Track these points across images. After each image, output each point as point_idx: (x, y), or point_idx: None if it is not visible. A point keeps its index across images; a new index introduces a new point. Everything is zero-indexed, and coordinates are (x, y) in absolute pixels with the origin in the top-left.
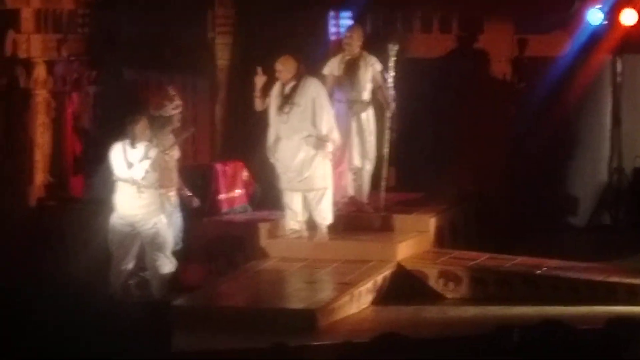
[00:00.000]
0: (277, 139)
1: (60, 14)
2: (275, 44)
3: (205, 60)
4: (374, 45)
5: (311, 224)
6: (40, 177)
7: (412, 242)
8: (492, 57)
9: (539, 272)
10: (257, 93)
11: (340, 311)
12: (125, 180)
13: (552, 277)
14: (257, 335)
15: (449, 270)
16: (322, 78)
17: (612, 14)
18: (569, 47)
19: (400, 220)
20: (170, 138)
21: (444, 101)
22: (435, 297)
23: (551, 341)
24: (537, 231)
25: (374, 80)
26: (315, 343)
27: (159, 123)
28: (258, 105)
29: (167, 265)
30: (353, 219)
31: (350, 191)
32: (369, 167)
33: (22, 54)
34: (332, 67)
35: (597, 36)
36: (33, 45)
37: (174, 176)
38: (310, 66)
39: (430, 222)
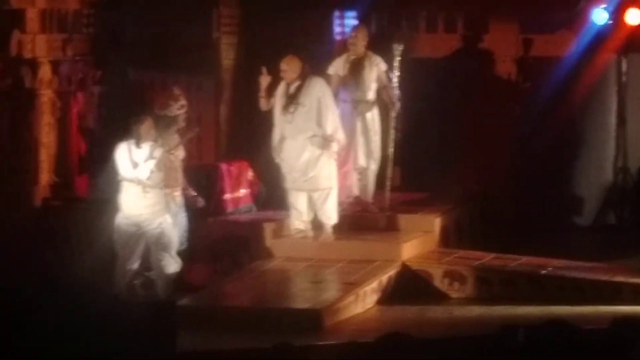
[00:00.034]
0: (282, 139)
1: (65, 14)
2: (280, 44)
3: (210, 60)
4: (379, 45)
5: (316, 224)
6: (45, 177)
7: (417, 242)
8: (497, 56)
9: (544, 272)
10: (262, 93)
11: (346, 311)
12: (131, 180)
13: (558, 277)
14: (262, 335)
15: (454, 270)
16: (327, 78)
17: (617, 13)
18: (574, 46)
19: (405, 220)
20: (175, 138)
21: (449, 101)
22: (440, 297)
23: (556, 341)
24: (542, 231)
25: (378, 80)
26: (321, 343)
27: (164, 123)
28: (263, 105)
29: (172, 265)
30: (358, 219)
31: (355, 191)
32: (374, 167)
33: (27, 54)
34: (337, 67)
35: (602, 36)
36: (38, 45)
37: (179, 176)
38: (315, 66)
39: (436, 222)
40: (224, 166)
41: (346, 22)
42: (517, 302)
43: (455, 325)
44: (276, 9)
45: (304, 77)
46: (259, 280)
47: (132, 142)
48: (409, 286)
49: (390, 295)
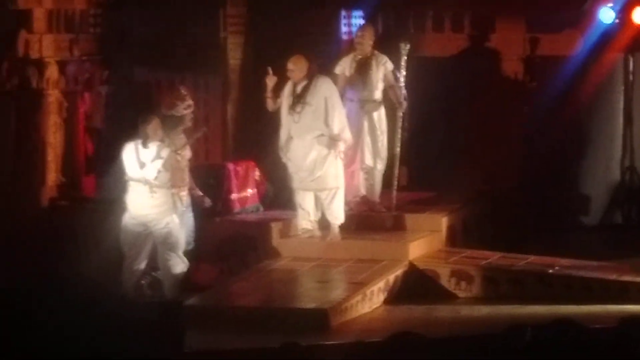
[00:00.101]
0: (289, 139)
1: (72, 14)
2: (286, 43)
3: (217, 60)
4: (386, 44)
5: (323, 224)
6: (52, 177)
7: (424, 241)
8: (503, 56)
9: (551, 271)
10: (269, 93)
11: (353, 311)
12: (138, 180)
13: (565, 276)
14: (269, 334)
15: (461, 269)
16: (333, 77)
17: (623, 12)
18: (580, 45)
19: (412, 219)
20: (182, 138)
21: (455, 100)
22: (447, 297)
23: (563, 340)
24: (549, 230)
25: (385, 79)
26: (327, 342)
27: (170, 123)
28: (270, 105)
29: (179, 265)
30: (365, 219)
31: (362, 190)
32: (380, 166)
33: (34, 54)
34: (344, 66)
35: (608, 35)
36: (45, 45)
37: (186, 176)
38: (322, 65)
39: (442, 222)
40: (231, 166)
41: (353, 22)
42: (524, 301)
43: (462, 324)
44: (283, 8)
45: (310, 76)
46: (266, 280)
47: (139, 142)
48: (416, 286)
49: (397, 295)
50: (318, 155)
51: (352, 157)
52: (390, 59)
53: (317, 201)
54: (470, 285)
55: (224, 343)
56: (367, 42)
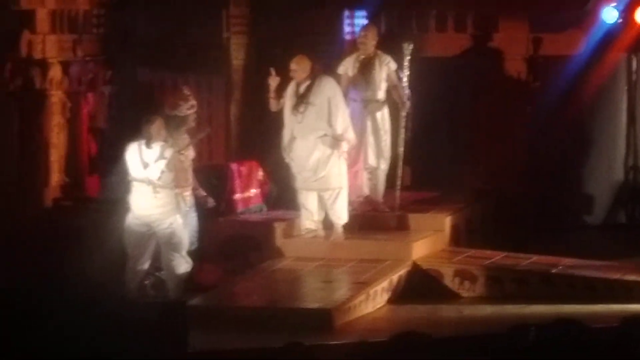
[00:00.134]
0: (292, 139)
1: (75, 15)
2: (289, 44)
3: (220, 60)
4: (389, 44)
5: (327, 224)
6: (55, 177)
7: (428, 241)
8: (507, 55)
9: (555, 270)
10: (272, 94)
11: (356, 310)
12: (141, 181)
13: (568, 276)
14: (273, 334)
15: (465, 269)
16: (336, 77)
17: (626, 12)
18: (583, 45)
19: (415, 219)
20: (185, 138)
21: (458, 100)
22: (451, 296)
23: (567, 340)
24: (552, 230)
25: (388, 79)
26: (331, 342)
27: (174, 123)
28: (273, 106)
29: (182, 265)
30: (368, 219)
31: (366, 190)
32: (384, 166)
33: (37, 55)
34: (347, 66)
35: (612, 34)
36: (48, 45)
37: (189, 176)
38: (325, 65)
39: (446, 221)
40: (234, 166)
41: (356, 22)
42: (528, 301)
43: (466, 324)
44: (285, 8)
45: (313, 76)
46: (269, 280)
47: (142, 142)
48: (419, 285)
49: (401, 295)
50: (321, 155)
51: (355, 157)
52: (393, 58)
53: (321, 201)
54: (474, 285)
55: (228, 343)
56: (370, 42)
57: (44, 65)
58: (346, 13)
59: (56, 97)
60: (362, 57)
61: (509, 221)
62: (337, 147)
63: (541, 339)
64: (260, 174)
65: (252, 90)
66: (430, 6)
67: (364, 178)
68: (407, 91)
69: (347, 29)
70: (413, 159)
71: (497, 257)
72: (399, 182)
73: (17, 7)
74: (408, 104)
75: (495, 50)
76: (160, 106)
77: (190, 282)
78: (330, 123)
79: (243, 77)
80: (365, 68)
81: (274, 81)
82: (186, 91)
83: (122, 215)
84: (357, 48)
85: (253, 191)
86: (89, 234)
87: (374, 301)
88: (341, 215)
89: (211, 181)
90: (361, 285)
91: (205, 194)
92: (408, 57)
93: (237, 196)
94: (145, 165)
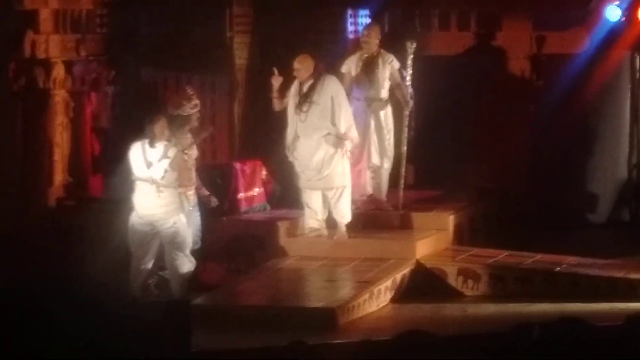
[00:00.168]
0: (296, 138)
1: (79, 14)
2: (293, 43)
3: (224, 59)
4: (392, 43)
5: (330, 223)
6: (59, 177)
7: (431, 239)
8: (510, 54)
9: (558, 269)
10: (275, 94)
11: (360, 309)
12: (145, 180)
13: (572, 274)
14: (277, 333)
15: (468, 267)
16: (340, 76)
17: (630, 10)
18: (587, 44)
19: (419, 218)
20: (188, 137)
21: (462, 99)
22: (454, 295)
23: (570, 338)
24: (556, 228)
25: (392, 78)
26: (335, 341)
27: (177, 122)
28: (276, 105)
29: (186, 264)
30: (372, 217)
31: (369, 189)
32: (387, 165)
33: (40, 55)
34: (350, 65)
35: (615, 33)
36: (51, 45)
37: (193, 175)
38: (328, 64)
39: (449, 220)
40: (237, 165)
41: (359, 20)
42: (531, 299)
43: (469, 323)
44: (289, 7)
45: (317, 75)
46: (273, 279)
47: (145, 141)
48: (423, 284)
49: (405, 294)
50: (325, 154)
51: (358, 156)
52: (396, 57)
53: (324, 200)
54: (477, 284)
55: (231, 342)
56: (374, 41)
57: (47, 65)
58: (349, 12)
59: (59, 96)
60: (366, 56)
61: (513, 220)
62: (340, 146)
63: (545, 337)
64: (263, 173)
65: (255, 90)
66: (434, 5)
67: (367, 177)
68: (410, 90)
69: (350, 27)
70: (416, 157)
71: (501, 255)
72: (402, 181)
73: (21, 7)
74: (411, 102)
75: (498, 48)
76: (163, 106)
77: (193, 281)
78: (333, 122)
79: (246, 77)
80: (369, 67)
81: (276, 81)
82: (189, 90)
83: (125, 214)
84: (360, 47)
85: (256, 190)
86: (93, 234)
87: (378, 300)
88: (345, 214)
89: (215, 180)
90: (365, 284)
91: (208, 193)
92: (411, 56)
93: (241, 195)
94: (149, 165)
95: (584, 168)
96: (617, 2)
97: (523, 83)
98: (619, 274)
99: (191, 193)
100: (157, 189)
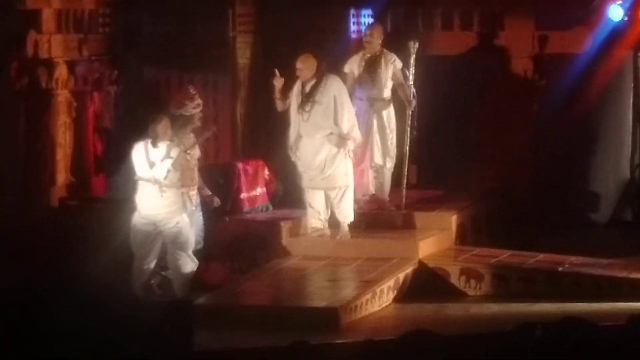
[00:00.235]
0: (298, 137)
1: (81, 14)
2: (295, 42)
3: (226, 59)
4: (395, 42)
5: (333, 222)
6: (61, 177)
7: (434, 239)
8: (512, 54)
9: (561, 268)
10: (277, 94)
11: (362, 309)
12: (147, 180)
13: (575, 274)
14: (279, 333)
15: (471, 267)
16: (342, 76)
17: (632, 10)
18: (589, 43)
19: (421, 217)
20: (191, 137)
21: (464, 98)
22: (457, 295)
23: (573, 338)
24: (559, 228)
25: (394, 77)
26: (337, 341)
27: (180, 122)
28: (279, 106)
29: (188, 264)
30: (374, 217)
31: (372, 189)
32: (390, 164)
33: (43, 54)
34: (353, 65)
35: (617, 32)
36: (54, 45)
37: (195, 175)
38: (330, 64)
39: (452, 220)
40: (240, 165)
41: (362, 20)
42: (534, 299)
43: (472, 322)
44: (292, 7)
45: (319, 75)
46: (275, 278)
47: (148, 141)
48: (425, 284)
49: (407, 293)
50: (328, 153)
51: (361, 156)
52: (399, 57)
53: (327, 200)
54: (480, 283)
55: (234, 342)
56: (376, 41)
57: (50, 64)
58: (352, 11)
59: (62, 96)
60: (368, 55)
61: (515, 219)
62: (343, 146)
63: (547, 337)
64: (266, 172)
65: (258, 89)
66: (436, 4)
67: (370, 177)
68: (412, 89)
69: (353, 27)
70: (419, 157)
71: (503, 255)
72: (404, 181)
73: (23, 7)
74: (414, 102)
75: (501, 48)
76: (166, 105)
77: (196, 281)
78: (336, 122)
79: (249, 76)
80: (371, 66)
81: (278, 82)
82: (192, 90)
83: (128, 214)
84: (363, 46)
85: (259, 190)
86: (95, 234)
87: (380, 300)
88: (347, 214)
89: (217, 180)
90: (367, 284)
91: (211, 193)
92: (414, 56)
93: (243, 195)
94: (152, 165)
95: (586, 167)
96: (620, 2)
97: (525, 82)
98: (622, 274)
99: (194, 193)
100: (160, 188)
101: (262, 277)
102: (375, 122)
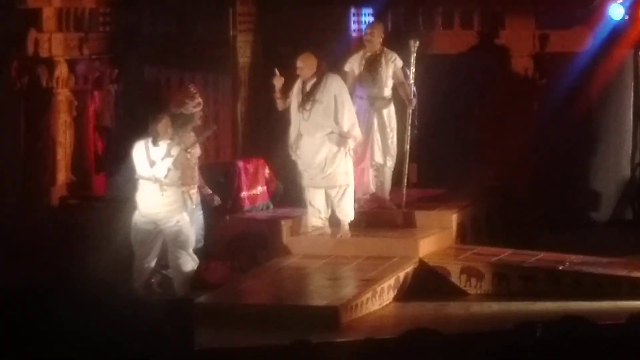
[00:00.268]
0: (299, 136)
1: (82, 13)
2: (296, 41)
3: (227, 58)
4: (395, 41)
5: (333, 221)
6: (62, 176)
7: (434, 238)
8: (513, 52)
9: (561, 267)
10: (277, 94)
11: (363, 308)
12: (148, 179)
13: (575, 273)
14: (280, 332)
15: (471, 266)
16: (343, 75)
17: (633, 8)
18: (590, 42)
19: (422, 216)
20: (191, 136)
21: (465, 97)
22: (457, 294)
23: (573, 337)
24: (559, 227)
25: (395, 76)
26: (338, 340)
27: (180, 121)
28: (280, 105)
29: (189, 263)
30: (375, 216)
31: (372, 188)
32: (390, 163)
33: (43, 53)
34: (353, 63)
35: (618, 31)
36: (55, 44)
37: (196, 174)
38: (331, 63)
39: (453, 218)
40: (240, 164)
41: (362, 19)
42: (534, 298)
43: (473, 321)
44: (292, 6)
45: (320, 74)
46: (276, 277)
47: (149, 140)
48: (426, 283)
49: (408, 292)
50: (328, 152)
51: (361, 155)
52: (399, 56)
53: (327, 199)
54: (481, 282)
55: (234, 341)
56: (377, 39)
57: (50, 63)
58: (353, 10)
59: (63, 95)
60: (369, 54)
61: (516, 218)
62: (343, 145)
63: (548, 336)
64: (266, 171)
65: (258, 88)
66: (437, 3)
67: (370, 175)
68: (413, 88)
69: (353, 26)
70: (419, 156)
71: (504, 254)
72: (405, 180)
73: (24, 6)
74: (414, 101)
75: (501, 47)
76: (166, 104)
77: (196, 280)
78: (336, 120)
79: (249, 75)
80: (372, 65)
81: (278, 81)
82: (192, 89)
83: (128, 213)
84: (364, 45)
85: (260, 189)
86: (95, 233)
87: (381, 298)
88: (348, 213)
89: (218, 179)
90: (368, 283)
91: (211, 191)
92: (414, 54)
93: (244, 194)
94: (152, 164)
95: (587, 166)
96: (621, 1)
97: (526, 81)
98: (622, 273)
99: (194, 192)
100: (160, 187)
101: (262, 276)
102: (375, 121)
